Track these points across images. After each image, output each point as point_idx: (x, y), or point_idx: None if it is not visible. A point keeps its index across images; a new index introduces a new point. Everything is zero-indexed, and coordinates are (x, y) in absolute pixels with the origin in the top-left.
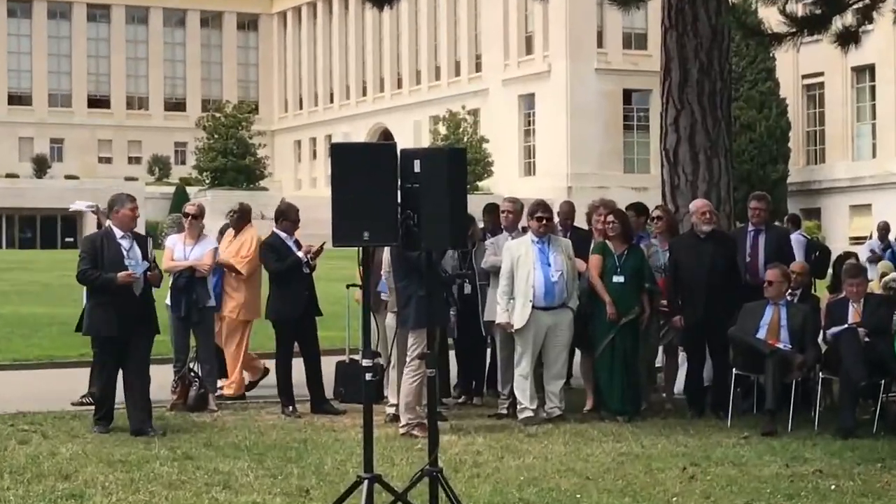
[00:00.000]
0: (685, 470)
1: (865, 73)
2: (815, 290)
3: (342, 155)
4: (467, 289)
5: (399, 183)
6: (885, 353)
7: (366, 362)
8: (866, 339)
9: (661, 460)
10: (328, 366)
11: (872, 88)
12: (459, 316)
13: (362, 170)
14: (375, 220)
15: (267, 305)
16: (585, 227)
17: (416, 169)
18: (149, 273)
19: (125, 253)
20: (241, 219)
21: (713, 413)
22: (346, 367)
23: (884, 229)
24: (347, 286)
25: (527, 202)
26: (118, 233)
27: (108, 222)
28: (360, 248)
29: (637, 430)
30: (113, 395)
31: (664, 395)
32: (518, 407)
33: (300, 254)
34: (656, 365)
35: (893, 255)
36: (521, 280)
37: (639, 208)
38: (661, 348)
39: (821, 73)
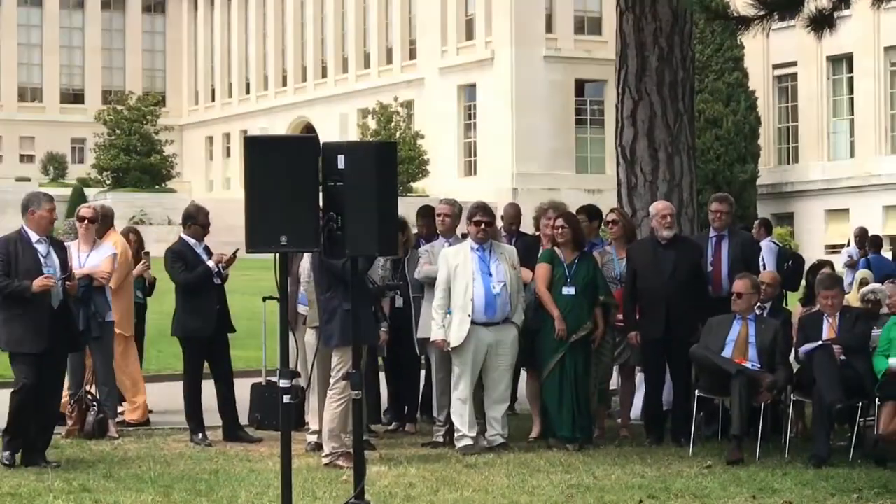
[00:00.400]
0: (642, 503)
1: (842, 63)
2: (786, 303)
3: (257, 150)
4: (399, 302)
5: (321, 181)
6: (862, 373)
7: (283, 384)
8: (842, 358)
9: (616, 493)
10: (243, 388)
11: (850, 80)
12: (390, 332)
13: (279, 166)
14: (294, 224)
15: (173, 321)
16: (533, 232)
17: (340, 165)
18: (68, 283)
19: (42, 259)
20: (103, 224)
21: (673, 440)
22: (263, 390)
23: (861, 236)
24: (264, 299)
25: (466, 205)
26: (33, 236)
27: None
28: (277, 256)
29: (589, 459)
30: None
31: (619, 420)
32: (456, 434)
33: (210, 263)
34: (610, 387)
35: (869, 263)
36: (459, 292)
37: (592, 212)
38: (616, 368)
39: (793, 63)
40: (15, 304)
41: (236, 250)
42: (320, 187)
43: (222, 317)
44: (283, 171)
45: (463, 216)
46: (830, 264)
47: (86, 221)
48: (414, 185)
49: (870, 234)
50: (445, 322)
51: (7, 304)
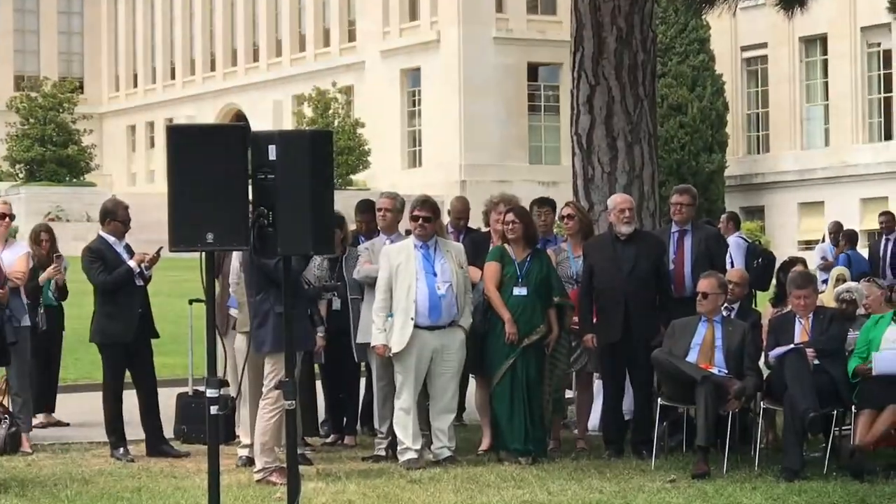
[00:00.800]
0: None
1: (816, 44)
2: (756, 304)
3: (180, 140)
4: (336, 304)
5: (251, 174)
6: (837, 379)
7: (211, 393)
8: (816, 362)
9: None
10: (168, 398)
11: (824, 63)
12: (327, 338)
13: (205, 158)
14: (221, 220)
15: (92, 326)
16: (483, 228)
17: (272, 156)
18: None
19: None
20: None
21: (634, 452)
22: (189, 400)
23: (836, 232)
24: (190, 302)
25: (410, 199)
26: None
27: None
28: (204, 254)
29: (543, 473)
30: None
31: (576, 431)
32: (399, 447)
33: (132, 263)
34: (566, 395)
35: (850, 259)
36: (402, 293)
37: (540, 204)
38: (572, 375)
39: (763, 45)
40: None
41: (160, 249)
42: (250, 180)
43: (145, 321)
44: (210, 163)
45: (405, 211)
46: (803, 261)
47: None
48: (353, 177)
49: (845, 228)
50: (386, 326)
51: None
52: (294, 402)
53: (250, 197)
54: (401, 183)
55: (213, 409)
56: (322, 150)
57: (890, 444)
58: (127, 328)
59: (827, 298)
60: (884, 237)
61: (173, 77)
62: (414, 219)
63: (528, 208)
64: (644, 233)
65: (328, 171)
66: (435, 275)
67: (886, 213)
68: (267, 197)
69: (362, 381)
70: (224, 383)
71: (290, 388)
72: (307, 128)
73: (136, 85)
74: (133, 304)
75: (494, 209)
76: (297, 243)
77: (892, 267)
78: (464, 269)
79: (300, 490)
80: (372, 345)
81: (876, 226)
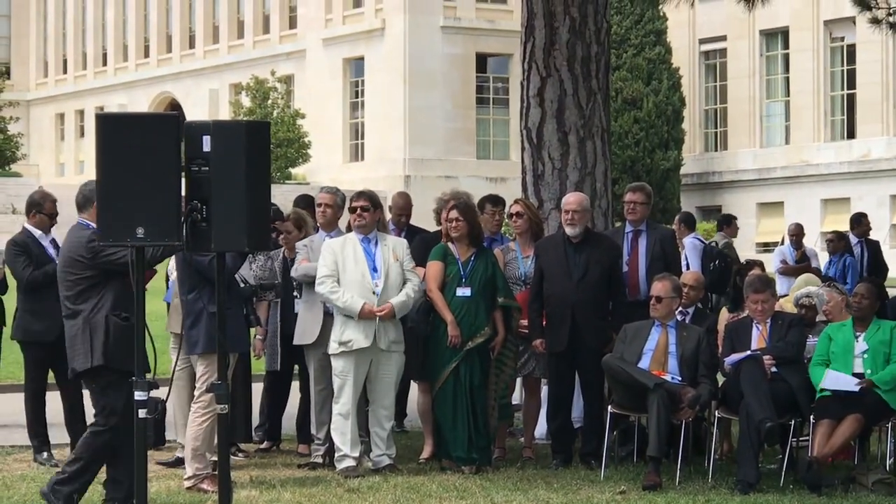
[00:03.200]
0: None
1: (777, 38)
2: (711, 308)
3: (109, 129)
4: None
5: (184, 165)
6: (795, 388)
7: (139, 395)
8: (773, 370)
9: None
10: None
11: (786, 57)
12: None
13: (136, 148)
14: (153, 214)
15: (14, 323)
16: (433, 227)
17: (206, 147)
18: None
19: None
20: None
21: (583, 462)
22: None
23: (797, 234)
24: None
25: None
26: None
27: None
28: (134, 250)
29: (487, 483)
30: None
31: (522, 439)
32: (336, 454)
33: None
34: (513, 401)
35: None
36: (348, 288)
37: (494, 202)
38: (518, 381)
39: (722, 38)
40: None
41: None
42: (183, 172)
43: None
44: (141, 154)
45: (345, 206)
46: (760, 264)
47: None
48: (293, 171)
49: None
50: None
51: None
52: (226, 405)
53: (183, 190)
54: (342, 177)
55: (142, 413)
56: (259, 141)
57: (848, 456)
58: (50, 326)
59: (785, 303)
60: (856, 240)
61: (105, 63)
62: (352, 210)
63: (477, 205)
64: (598, 235)
65: (265, 163)
66: (375, 270)
67: (862, 215)
68: (200, 190)
69: (294, 386)
70: (153, 385)
71: (223, 390)
72: (244, 118)
73: (65, 71)
74: (57, 301)
75: (446, 207)
76: (232, 239)
77: (869, 272)
78: (401, 262)
79: (232, 498)
80: (361, 308)
81: (839, 227)
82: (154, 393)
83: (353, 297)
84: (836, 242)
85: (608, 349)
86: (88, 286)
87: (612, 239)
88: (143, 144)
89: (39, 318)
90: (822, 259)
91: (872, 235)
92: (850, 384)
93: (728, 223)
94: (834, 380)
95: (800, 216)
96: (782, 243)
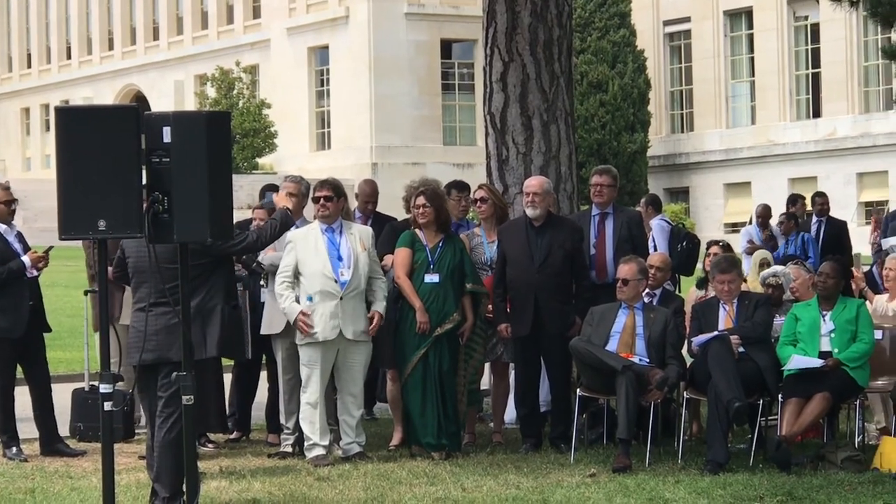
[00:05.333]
0: None
1: (741, 18)
2: (679, 290)
3: (69, 121)
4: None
5: (145, 157)
6: (763, 367)
7: (105, 389)
8: (741, 350)
9: None
10: (64, 395)
11: (750, 38)
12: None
13: (96, 140)
14: (114, 206)
15: None
16: (401, 214)
17: (166, 138)
18: None
19: None
20: None
21: (553, 446)
22: (85, 397)
23: (764, 215)
24: (86, 293)
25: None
26: None
27: None
28: (95, 242)
29: (457, 469)
30: None
31: (492, 424)
32: (306, 443)
33: (26, 259)
34: (482, 387)
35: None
36: (311, 279)
37: (459, 188)
38: (487, 366)
39: (686, 19)
40: None
41: (49, 248)
42: (144, 164)
43: (36, 314)
44: (101, 146)
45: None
46: (725, 243)
47: None
48: (260, 161)
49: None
50: (290, 300)
51: None
52: (191, 396)
53: (144, 181)
54: (309, 166)
55: (108, 406)
56: (219, 131)
57: (817, 434)
58: (16, 322)
59: (751, 283)
60: (815, 219)
61: (69, 57)
62: (315, 200)
63: (444, 191)
64: (560, 219)
65: (226, 153)
66: (340, 259)
67: (821, 195)
68: (162, 181)
69: (263, 375)
70: (119, 378)
71: (188, 382)
72: (208, 109)
73: (29, 65)
74: (23, 297)
75: (414, 195)
76: (194, 230)
77: (824, 251)
78: (368, 251)
79: (199, 490)
80: (292, 316)
81: (806, 206)
82: (119, 385)
83: (292, 304)
84: (787, 223)
85: (572, 333)
86: (198, 274)
87: (574, 222)
88: (102, 137)
89: (5, 313)
90: None
91: (840, 214)
92: (816, 363)
93: (794, 202)
94: (800, 362)
95: (767, 196)
96: (750, 223)
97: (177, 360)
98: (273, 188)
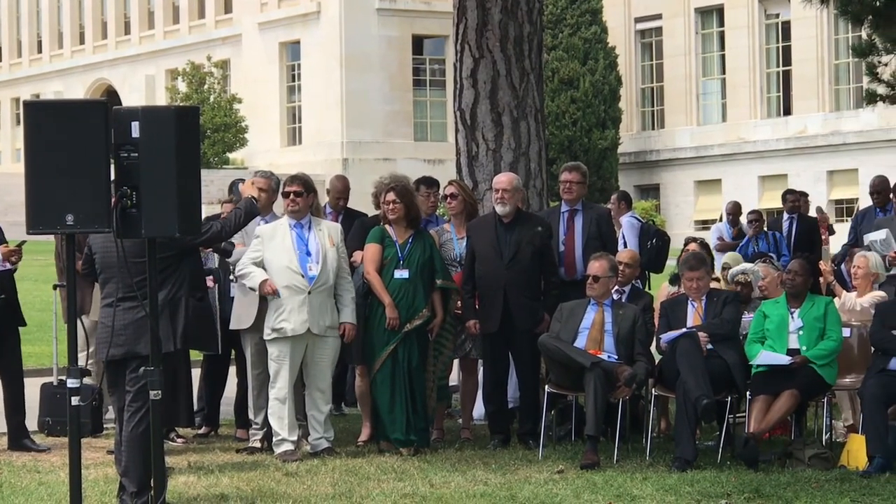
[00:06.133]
0: None
1: (712, 15)
2: (649, 287)
3: (38, 115)
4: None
5: (113, 152)
6: (731, 364)
7: (72, 384)
8: (709, 347)
9: (455, 502)
10: (32, 389)
11: (721, 35)
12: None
13: (64, 135)
14: (82, 200)
15: None
16: (371, 210)
17: (135, 133)
18: None
19: None
20: None
21: (521, 442)
22: (54, 391)
23: (733, 212)
24: (55, 287)
25: None
26: None
27: None
28: (64, 237)
29: (425, 465)
30: None
31: (460, 420)
32: (274, 439)
33: None
34: (450, 383)
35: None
36: (278, 275)
37: (429, 184)
38: (456, 362)
39: (658, 16)
40: None
41: (22, 242)
42: (113, 159)
43: (9, 308)
44: (70, 141)
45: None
46: (703, 242)
47: None
48: (231, 156)
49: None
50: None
51: None
52: (159, 392)
53: (113, 176)
54: (280, 161)
55: (75, 400)
56: (188, 126)
57: (785, 431)
58: None
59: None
60: (787, 216)
61: (40, 50)
62: (285, 195)
63: (414, 187)
64: (529, 215)
65: (195, 148)
66: (309, 254)
67: (793, 192)
68: (130, 176)
69: (232, 371)
70: (86, 372)
71: (156, 377)
72: (178, 103)
73: (0, 59)
74: None
75: (384, 191)
76: (162, 225)
77: (796, 248)
78: (337, 247)
79: (166, 484)
80: (262, 284)
81: (776, 204)
82: (88, 380)
83: (255, 274)
84: (757, 223)
85: (541, 329)
86: (164, 267)
87: (543, 219)
88: (71, 131)
89: None
90: None
91: (810, 212)
92: (783, 360)
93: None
94: (767, 358)
95: (737, 193)
96: (720, 220)
97: (145, 353)
98: (242, 181)
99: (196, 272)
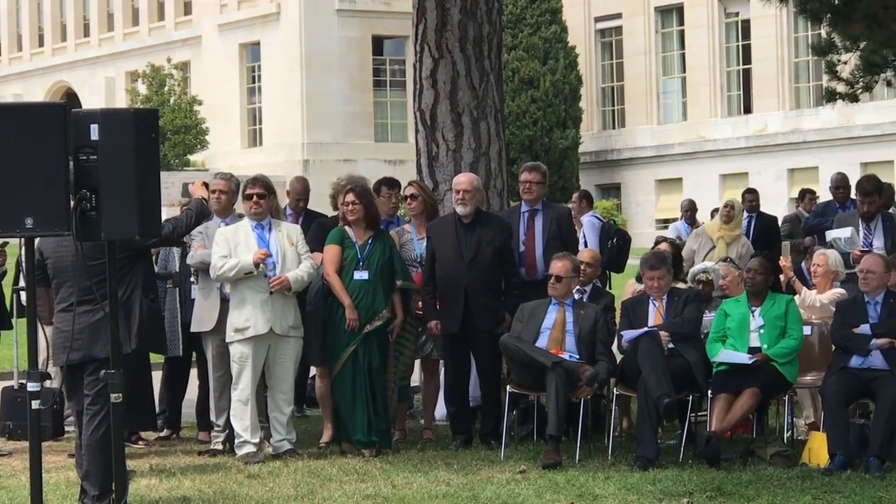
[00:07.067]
0: None
1: (672, 14)
2: (610, 286)
3: None
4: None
5: (72, 154)
6: (693, 363)
7: (32, 387)
8: (670, 346)
9: (418, 503)
10: None
11: (681, 34)
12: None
13: (22, 138)
14: (41, 204)
15: None
16: (331, 212)
17: (94, 136)
18: None
19: None
20: None
21: (483, 442)
22: (15, 395)
23: (689, 209)
24: (14, 290)
25: None
26: None
27: None
28: (23, 240)
29: (387, 465)
30: None
31: (422, 421)
32: (236, 441)
33: None
34: (412, 384)
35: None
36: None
37: (390, 185)
38: (417, 363)
39: (618, 16)
40: None
41: (4, 244)
42: (72, 161)
43: None
44: (28, 144)
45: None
46: (673, 241)
47: None
48: (191, 157)
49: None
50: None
51: None
52: (119, 395)
53: (72, 178)
54: (241, 163)
55: (35, 404)
56: (147, 129)
57: (746, 429)
58: None
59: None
60: (746, 215)
61: None
62: (248, 197)
63: (374, 188)
64: (490, 215)
65: (154, 151)
66: (270, 256)
67: (752, 192)
68: (89, 179)
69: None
70: (46, 376)
71: (116, 380)
72: (139, 105)
73: None
74: None
75: (342, 192)
76: (122, 228)
77: (755, 246)
78: (295, 246)
79: (128, 487)
80: (249, 262)
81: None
82: (48, 384)
83: (233, 261)
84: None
85: (502, 329)
86: (118, 268)
87: (503, 219)
88: (30, 134)
89: None
90: None
91: (771, 209)
92: (744, 359)
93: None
94: (728, 356)
95: (698, 192)
96: (682, 218)
97: (102, 356)
98: (193, 184)
99: (148, 274)
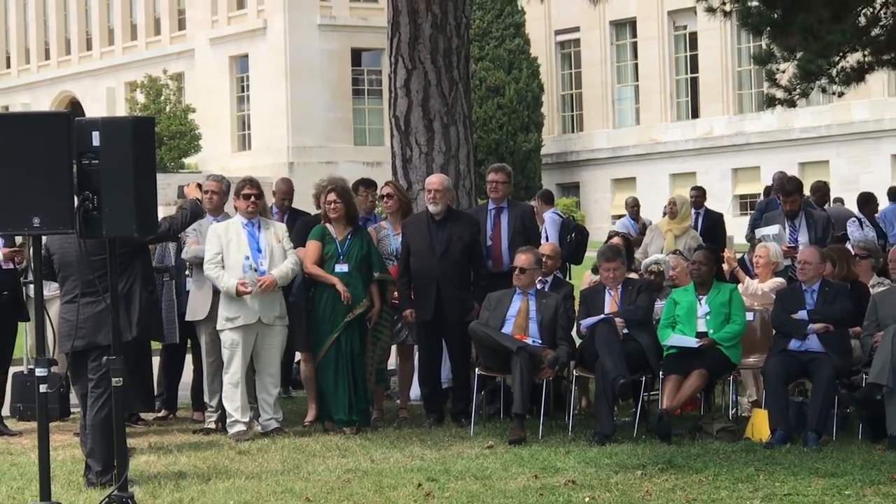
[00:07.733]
0: (420, 486)
1: (626, 28)
2: (569, 277)
3: (5, 127)
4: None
5: (76, 159)
6: (645, 347)
7: (40, 372)
8: (625, 331)
9: (394, 476)
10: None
11: (634, 45)
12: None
13: (29, 144)
14: (48, 204)
15: None
16: (314, 210)
17: (95, 142)
18: None
19: None
20: None
21: (454, 420)
22: (25, 379)
23: (634, 206)
24: (23, 283)
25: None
26: None
27: None
28: (30, 238)
29: (366, 442)
30: None
31: (398, 401)
32: (228, 420)
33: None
34: (388, 367)
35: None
36: (233, 269)
37: (367, 185)
38: (394, 348)
39: (576, 29)
40: None
41: (23, 243)
42: (75, 165)
43: (9, 304)
44: (35, 149)
45: (231, 192)
46: (624, 235)
47: None
48: (186, 161)
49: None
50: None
51: None
52: (120, 379)
53: (76, 181)
54: (231, 166)
55: (43, 388)
56: (144, 135)
57: (695, 407)
58: None
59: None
60: (693, 211)
61: (8, 66)
62: (245, 197)
63: (352, 188)
64: (459, 213)
65: (150, 155)
66: (260, 251)
67: (698, 188)
68: (91, 181)
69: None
70: (53, 362)
71: (117, 365)
72: (138, 114)
73: None
74: None
75: (324, 192)
76: (121, 226)
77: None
78: (282, 243)
79: (128, 464)
80: (237, 283)
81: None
82: (55, 369)
83: (229, 280)
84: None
85: (471, 317)
86: (119, 263)
87: (472, 216)
88: (37, 141)
89: None
90: None
91: (717, 206)
92: (692, 343)
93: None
94: (677, 340)
95: (650, 190)
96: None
97: (105, 344)
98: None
99: (147, 267)
